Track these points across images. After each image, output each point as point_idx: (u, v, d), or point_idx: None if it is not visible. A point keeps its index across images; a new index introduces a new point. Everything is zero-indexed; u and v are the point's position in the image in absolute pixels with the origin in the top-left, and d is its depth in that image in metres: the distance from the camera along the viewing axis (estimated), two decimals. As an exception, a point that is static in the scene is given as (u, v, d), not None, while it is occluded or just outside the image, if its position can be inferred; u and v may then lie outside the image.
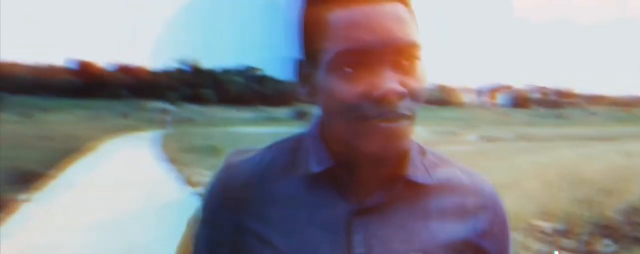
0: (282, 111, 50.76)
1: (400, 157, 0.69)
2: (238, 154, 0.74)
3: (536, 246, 5.50)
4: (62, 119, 33.46)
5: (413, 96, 0.63)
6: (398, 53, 0.61)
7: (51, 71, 68.65)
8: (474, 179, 0.76)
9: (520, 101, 76.61)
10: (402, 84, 0.61)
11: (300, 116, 45.21)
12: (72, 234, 5.80)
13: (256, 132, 24.57)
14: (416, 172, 0.70)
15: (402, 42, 0.61)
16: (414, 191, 0.70)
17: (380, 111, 0.61)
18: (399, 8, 0.62)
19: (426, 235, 0.69)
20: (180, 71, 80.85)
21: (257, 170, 0.71)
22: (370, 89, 0.61)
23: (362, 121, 0.62)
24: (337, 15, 0.61)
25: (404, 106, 0.62)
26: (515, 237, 5.60)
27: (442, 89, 74.45)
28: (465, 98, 78.73)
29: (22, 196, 7.90)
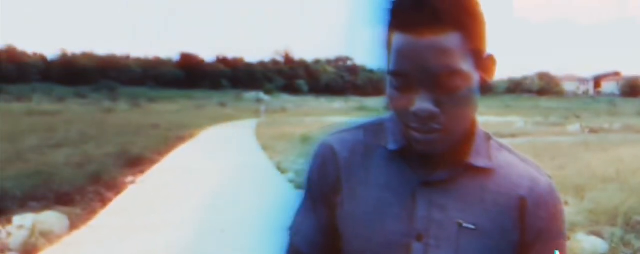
0: (373, 101, 50.61)
1: (462, 145, 0.81)
2: (335, 133, 0.91)
3: (638, 243, 5.16)
4: (167, 108, 35.63)
5: (450, 113, 0.75)
6: (434, 79, 0.73)
7: (157, 63, 73.22)
8: (532, 169, 0.84)
9: (628, 90, 70.50)
10: (437, 104, 0.74)
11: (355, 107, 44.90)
12: (173, 214, 6.24)
13: (347, 121, 24.73)
14: (478, 157, 0.81)
15: (437, 71, 0.73)
16: (474, 172, 0.81)
17: (415, 124, 0.76)
18: (448, 39, 0.72)
19: (479, 210, 0.80)
20: (274, 62, 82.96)
21: (350, 144, 0.87)
22: (407, 104, 0.75)
23: (405, 126, 0.78)
24: (395, 40, 0.75)
25: (438, 121, 0.74)
26: (615, 232, 5.29)
27: (543, 77, 70.60)
28: (569, 87, 73.98)
29: (129, 178, 8.60)
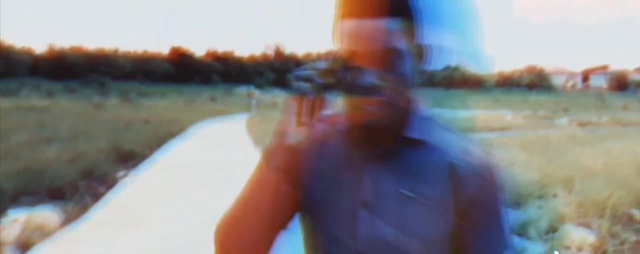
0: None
1: (398, 119, 0.91)
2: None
3: (625, 234, 5.26)
4: (158, 103, 35.46)
5: (391, 87, 0.85)
6: (376, 55, 0.85)
7: (147, 57, 72.72)
8: (474, 147, 0.93)
9: (615, 83, 71.05)
10: (381, 79, 0.84)
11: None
12: (166, 208, 6.26)
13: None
14: (413, 131, 0.92)
15: (381, 49, 0.84)
16: (412, 145, 0.92)
17: (360, 97, 0.85)
18: (387, 22, 0.85)
19: (417, 179, 0.90)
20: (265, 56, 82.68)
21: (320, 130, 0.98)
22: (352, 80, 0.83)
23: (352, 101, 0.87)
24: (344, 25, 0.87)
25: (381, 93, 0.84)
26: (603, 224, 5.38)
27: (533, 71, 71.02)
28: (557, 80, 74.47)
29: (121, 173, 8.60)
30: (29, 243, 4.51)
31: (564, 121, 26.20)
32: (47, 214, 5.40)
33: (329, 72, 0.83)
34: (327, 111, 0.88)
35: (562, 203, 6.03)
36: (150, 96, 43.26)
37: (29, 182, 7.01)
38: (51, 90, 44.06)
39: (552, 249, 4.90)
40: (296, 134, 0.84)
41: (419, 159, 0.91)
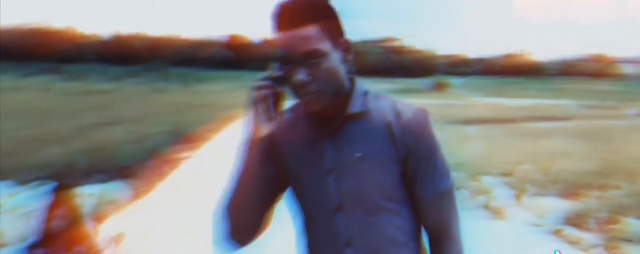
0: (420, 82, 50.07)
1: (342, 102, 1.15)
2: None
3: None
4: (217, 88, 36.38)
5: (319, 79, 1.08)
6: (304, 57, 1.07)
7: (207, 44, 74.41)
8: (403, 107, 1.16)
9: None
10: (310, 75, 1.08)
11: (439, 86, 44.25)
12: (223, 186, 6.55)
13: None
14: (354, 107, 1.15)
15: (304, 52, 1.07)
16: (355, 117, 1.15)
17: (299, 91, 1.10)
18: (305, 30, 1.07)
19: (364, 142, 1.14)
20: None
21: (287, 118, 1.20)
22: (291, 78, 1.09)
23: (296, 95, 1.12)
24: (277, 38, 1.09)
25: (312, 86, 1.08)
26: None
27: (599, 59, 67.78)
28: (627, 69, 70.71)
29: (183, 154, 9.01)
30: (103, 215, 4.88)
31: (632, 111, 25.01)
32: (117, 190, 5.80)
33: (276, 76, 1.11)
34: (290, 104, 1.16)
35: (624, 194, 5.88)
36: (210, 82, 44.39)
37: (99, 160, 7.50)
38: (116, 75, 46.01)
39: (610, 241, 4.81)
40: (265, 127, 1.11)
41: (364, 127, 1.15)
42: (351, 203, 1.15)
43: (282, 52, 1.09)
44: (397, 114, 1.15)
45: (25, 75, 39.72)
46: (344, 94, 1.14)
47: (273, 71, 1.11)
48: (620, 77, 66.26)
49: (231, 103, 21.22)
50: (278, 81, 1.11)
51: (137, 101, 20.48)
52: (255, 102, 1.10)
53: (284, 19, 1.08)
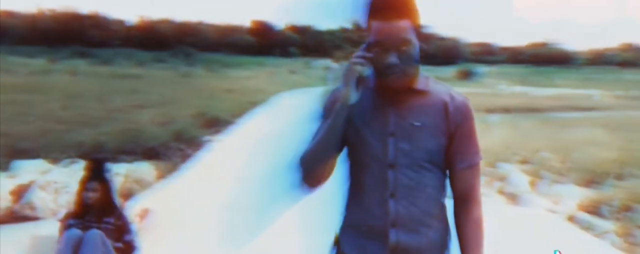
0: (446, 70, 49.53)
1: (410, 81, 1.41)
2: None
3: None
4: (241, 74, 36.68)
5: (405, 63, 1.36)
6: (396, 45, 1.35)
7: (231, 30, 74.58)
8: (456, 94, 1.47)
9: None
10: (399, 58, 1.36)
11: (465, 74, 43.71)
12: (246, 169, 6.75)
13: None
14: (419, 85, 1.44)
15: (397, 40, 1.35)
16: (418, 94, 1.44)
17: (388, 70, 1.37)
18: (401, 23, 1.34)
19: (422, 114, 1.43)
20: (343, 30, 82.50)
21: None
22: (383, 59, 1.36)
23: (381, 72, 1.38)
24: (373, 25, 1.36)
25: (399, 67, 1.36)
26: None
27: (628, 48, 66.16)
28: (658, 59, 68.78)
29: (207, 137, 9.25)
30: (129, 193, 5.12)
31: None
32: (143, 170, 6.04)
33: (368, 56, 1.36)
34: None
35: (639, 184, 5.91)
36: (233, 67, 44.67)
37: (126, 142, 7.76)
38: (142, 60, 46.57)
39: (622, 228, 4.87)
40: (354, 96, 1.37)
41: (424, 103, 1.44)
42: (402, 161, 1.41)
43: (375, 38, 1.35)
44: (452, 97, 1.45)
45: (54, 59, 40.56)
46: (412, 75, 1.41)
47: (363, 51, 1.37)
48: (651, 67, 64.58)
49: (255, 88, 21.49)
50: (367, 60, 1.36)
51: (163, 86, 20.84)
52: (349, 75, 1.36)
53: (384, 11, 1.34)
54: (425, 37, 1.40)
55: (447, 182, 1.49)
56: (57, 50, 47.10)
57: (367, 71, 1.36)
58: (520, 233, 4.55)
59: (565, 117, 15.31)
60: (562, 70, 59.43)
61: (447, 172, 1.47)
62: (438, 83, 1.49)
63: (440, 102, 1.43)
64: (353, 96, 1.36)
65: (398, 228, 1.42)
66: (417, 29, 1.38)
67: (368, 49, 1.37)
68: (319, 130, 1.45)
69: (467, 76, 40.00)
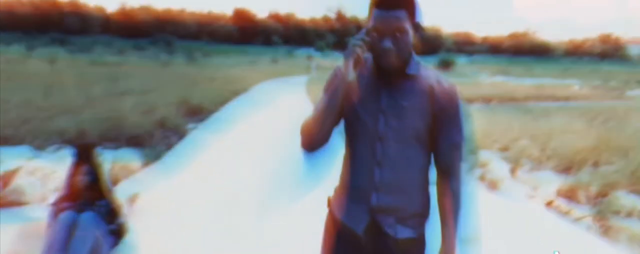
0: (425, 60, 49.82)
1: (403, 64, 1.61)
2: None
3: None
4: (222, 62, 36.45)
5: (399, 48, 1.54)
6: (392, 31, 1.53)
7: (212, 18, 73.94)
8: (444, 79, 1.65)
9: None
10: (393, 44, 1.54)
11: (445, 64, 44.04)
12: (230, 157, 6.81)
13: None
14: (410, 70, 1.63)
15: (393, 28, 1.52)
16: (409, 78, 1.63)
17: (383, 53, 1.55)
18: (399, 12, 1.52)
19: (411, 96, 1.62)
20: (326, 19, 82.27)
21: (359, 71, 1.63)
22: (379, 44, 1.54)
23: (378, 55, 1.57)
24: (374, 13, 1.55)
25: (392, 52, 1.54)
26: None
27: (606, 40, 67.22)
28: (635, 50, 70.07)
29: (191, 125, 9.24)
30: (116, 179, 5.13)
31: (637, 93, 25.07)
32: (129, 157, 6.04)
33: (366, 40, 1.53)
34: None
35: (615, 170, 6.09)
36: (215, 56, 44.37)
37: (109, 130, 7.72)
38: (122, 48, 46.04)
39: (598, 213, 5.04)
40: (352, 74, 1.54)
41: (413, 85, 1.63)
42: (391, 135, 1.60)
43: (374, 24, 1.53)
44: (439, 82, 1.64)
45: (31, 47, 39.84)
46: (405, 60, 1.60)
47: (362, 36, 1.54)
48: (627, 59, 65.79)
49: (237, 78, 21.41)
50: (365, 43, 1.53)
51: (144, 74, 20.63)
52: (350, 55, 1.53)
53: (383, 1, 1.52)
54: (419, 26, 1.57)
55: (432, 159, 1.67)
56: (34, 38, 46.24)
57: (365, 53, 1.54)
58: (500, 219, 4.69)
59: (544, 107, 15.59)
60: (541, 60, 60.23)
61: (433, 153, 1.66)
62: (428, 69, 1.66)
63: (428, 86, 1.61)
64: (351, 74, 1.53)
65: (380, 192, 1.61)
66: (413, 20, 1.55)
67: (367, 33, 1.54)
68: (320, 102, 1.62)
69: (448, 66, 40.32)
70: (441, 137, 1.62)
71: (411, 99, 1.59)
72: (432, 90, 1.60)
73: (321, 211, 1.82)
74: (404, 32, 1.52)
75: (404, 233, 1.64)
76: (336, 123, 1.63)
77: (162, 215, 4.26)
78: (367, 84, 1.62)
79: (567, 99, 19.81)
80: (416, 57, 1.64)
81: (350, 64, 1.52)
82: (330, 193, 1.80)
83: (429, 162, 1.66)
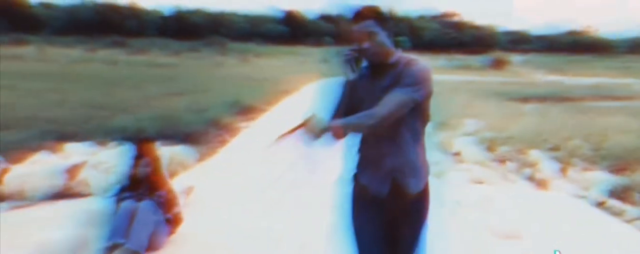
0: (477, 59, 48.83)
1: (383, 57, 2.08)
2: None
3: None
4: (273, 63, 37.03)
5: (373, 46, 2.04)
6: (367, 36, 2.04)
7: (263, 20, 74.97)
8: (414, 61, 2.06)
9: None
10: (370, 44, 2.04)
11: (497, 64, 43.09)
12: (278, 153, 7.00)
13: (449, 80, 24.44)
14: (391, 59, 2.09)
15: (367, 33, 2.03)
16: (391, 66, 2.08)
17: (363, 53, 2.07)
18: (368, 22, 2.05)
19: (392, 78, 2.05)
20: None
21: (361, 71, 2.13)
22: (361, 46, 2.06)
23: (363, 54, 2.08)
24: (352, 26, 2.08)
25: (369, 50, 2.05)
26: None
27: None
28: None
29: (242, 124, 9.54)
30: (173, 173, 5.41)
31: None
32: (184, 153, 6.34)
33: (354, 48, 2.04)
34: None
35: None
36: (266, 57, 45.10)
37: (165, 127, 8.09)
38: (177, 49, 47.46)
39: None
40: (350, 75, 2.06)
41: (394, 71, 2.06)
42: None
43: (354, 34, 2.02)
44: (409, 63, 2.07)
45: (93, 48, 41.70)
46: (386, 54, 2.06)
47: (354, 46, 2.04)
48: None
49: (288, 78, 21.76)
50: (353, 51, 2.05)
51: (198, 74, 21.31)
52: (345, 62, 2.05)
53: (356, 17, 2.03)
54: (391, 28, 2.07)
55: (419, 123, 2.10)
56: (95, 40, 48.36)
57: (355, 57, 2.06)
58: (547, 217, 4.65)
59: (600, 107, 15.06)
60: (601, 59, 57.89)
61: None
62: (407, 56, 2.09)
63: (401, 66, 2.05)
64: (350, 75, 2.07)
65: (388, 156, 2.08)
66: (384, 23, 2.05)
67: (355, 44, 2.07)
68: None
69: (501, 65, 39.35)
70: (393, 91, 2.02)
71: (391, 80, 2.03)
72: (402, 69, 2.04)
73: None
74: (374, 34, 2.03)
75: (416, 187, 2.11)
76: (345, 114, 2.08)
77: (214, 207, 4.48)
78: (366, 80, 2.09)
79: (626, 98, 19.03)
80: (398, 50, 2.10)
81: (347, 68, 2.05)
82: (340, 186, 2.25)
83: (419, 126, 2.10)
